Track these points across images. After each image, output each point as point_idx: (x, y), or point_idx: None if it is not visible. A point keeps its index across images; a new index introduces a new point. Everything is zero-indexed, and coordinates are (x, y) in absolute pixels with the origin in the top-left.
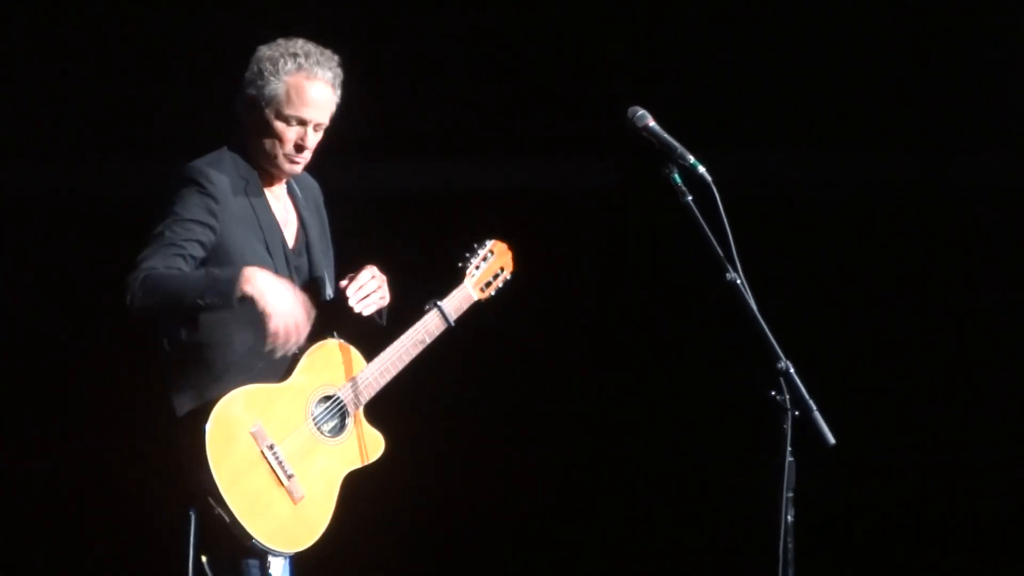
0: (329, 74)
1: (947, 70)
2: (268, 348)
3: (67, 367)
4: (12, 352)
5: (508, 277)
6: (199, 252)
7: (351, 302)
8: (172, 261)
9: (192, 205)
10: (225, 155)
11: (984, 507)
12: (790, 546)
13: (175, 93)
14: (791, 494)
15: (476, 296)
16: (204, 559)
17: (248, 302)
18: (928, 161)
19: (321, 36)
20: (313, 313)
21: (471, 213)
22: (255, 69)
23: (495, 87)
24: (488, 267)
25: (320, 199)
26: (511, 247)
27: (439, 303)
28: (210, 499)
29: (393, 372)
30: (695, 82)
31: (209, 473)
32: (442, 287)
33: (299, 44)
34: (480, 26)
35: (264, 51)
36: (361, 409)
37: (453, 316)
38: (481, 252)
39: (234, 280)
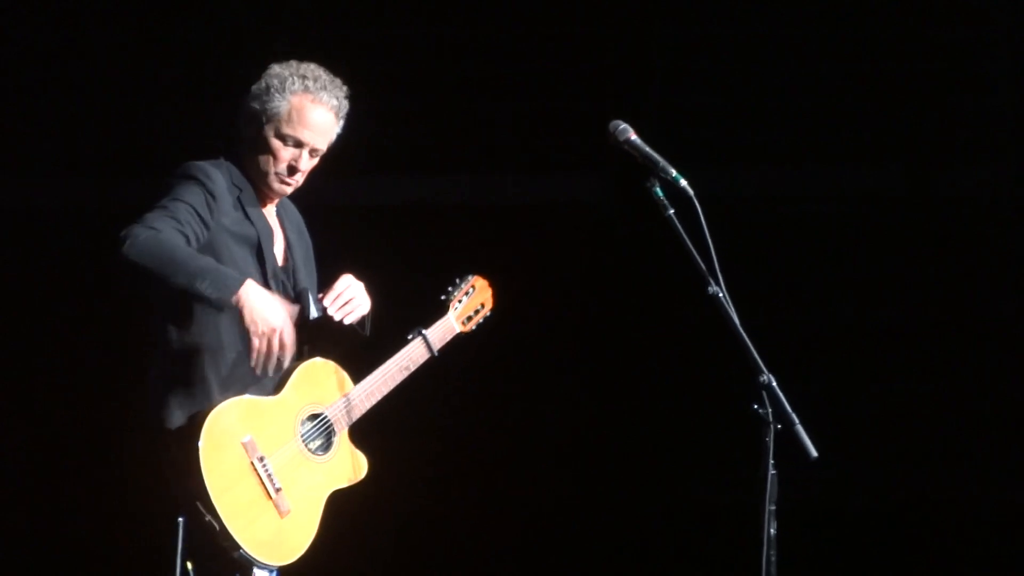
0: (334, 101)
1: (931, 84)
2: (252, 363)
3: (56, 371)
4: (29, 343)
5: (488, 314)
6: (194, 238)
7: (331, 311)
8: (173, 234)
9: (192, 195)
10: (222, 163)
11: (970, 518)
12: (773, 559)
13: (172, 111)
14: (773, 507)
15: (458, 328)
16: (190, 566)
17: (234, 310)
18: (913, 174)
19: (311, 52)
20: (294, 331)
21: (456, 228)
22: (263, 84)
23: (481, 102)
24: (470, 301)
25: (303, 225)
26: (491, 284)
27: (424, 331)
28: (200, 506)
29: (378, 396)
30: (682, 97)
31: (201, 480)
32: (424, 316)
33: (311, 67)
34: (468, 42)
35: (275, 68)
36: (347, 430)
37: (437, 346)
38: (463, 286)
39: (237, 282)
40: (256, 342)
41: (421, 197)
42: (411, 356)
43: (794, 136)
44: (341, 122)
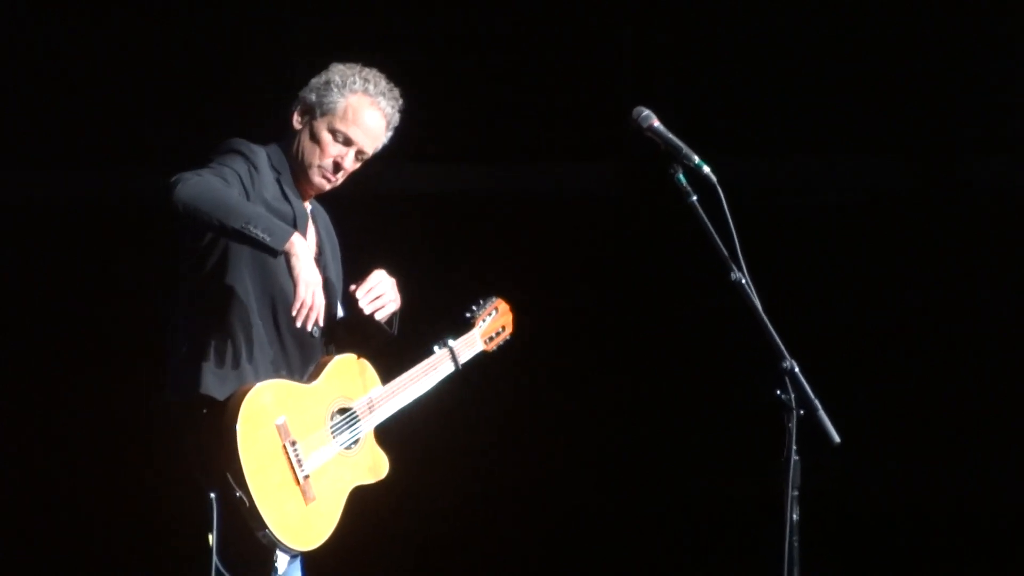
0: (388, 109)
1: (950, 73)
2: (294, 313)
3: (86, 350)
4: (33, 337)
5: (509, 337)
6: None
7: (362, 303)
8: (221, 183)
9: (235, 164)
10: (265, 147)
11: (990, 505)
12: (795, 544)
13: (182, 101)
14: (796, 493)
15: (483, 346)
16: (211, 539)
17: (275, 272)
18: (932, 164)
19: (325, 43)
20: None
21: (471, 217)
22: (323, 79)
23: (495, 92)
24: (493, 321)
25: (332, 228)
26: (512, 309)
27: (451, 343)
28: (231, 480)
29: (405, 399)
30: (699, 86)
31: (236, 455)
32: (447, 330)
33: (373, 72)
34: (482, 32)
35: (339, 66)
36: (373, 427)
37: (462, 358)
38: (487, 306)
39: (288, 232)
40: (302, 291)
41: (435, 186)
42: (437, 365)
43: (813, 126)
44: (390, 133)
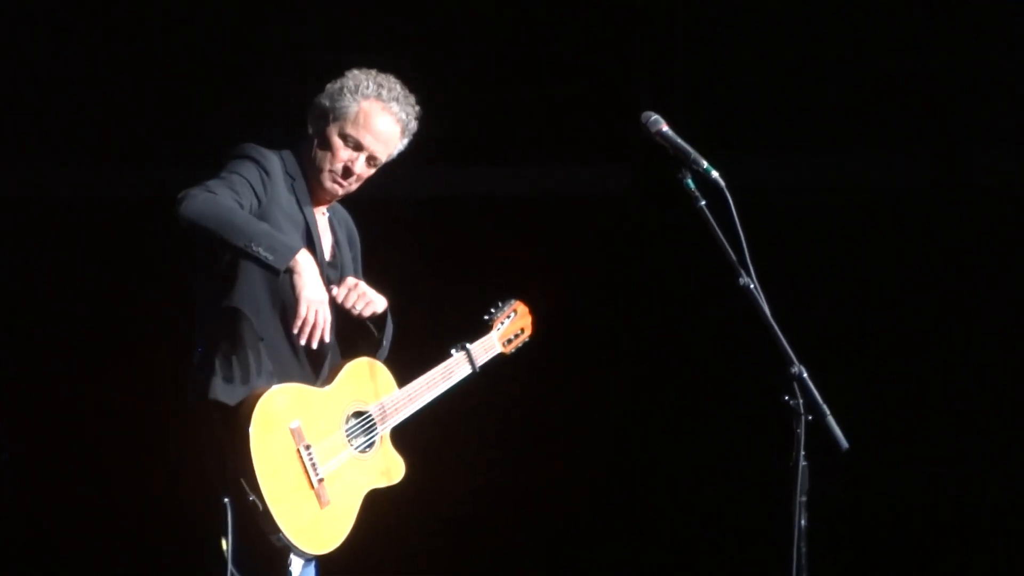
0: (403, 115)
1: (962, 70)
2: (296, 331)
3: (101, 352)
4: (48, 340)
5: (527, 339)
6: (248, 209)
7: (350, 306)
8: (229, 199)
9: (247, 170)
10: (280, 152)
11: (1000, 511)
12: (803, 550)
13: (190, 100)
14: (804, 498)
15: (500, 348)
16: (225, 544)
17: (284, 278)
18: (944, 161)
19: (331, 45)
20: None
21: (480, 219)
22: (338, 84)
23: (505, 93)
24: (512, 324)
25: (355, 232)
26: (531, 311)
27: (468, 346)
28: (245, 485)
29: (420, 403)
30: (711, 85)
31: (249, 460)
32: (465, 333)
33: (389, 78)
34: (492, 33)
35: (355, 71)
36: (388, 431)
37: (479, 361)
38: (506, 308)
39: (293, 249)
40: (304, 310)
41: (449, 189)
42: (454, 368)
43: (819, 124)
44: (406, 139)
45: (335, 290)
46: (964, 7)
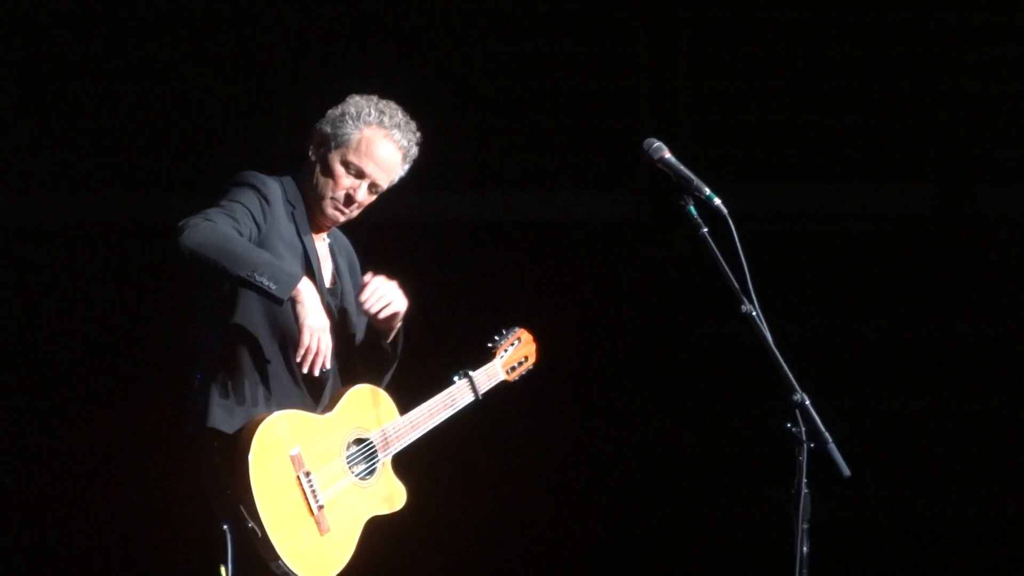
0: (404, 142)
1: (969, 101)
2: (298, 359)
3: (97, 377)
4: (42, 366)
5: (531, 367)
6: (247, 237)
7: (367, 304)
8: (230, 228)
9: (247, 198)
10: (280, 178)
11: (1003, 537)
12: None
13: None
14: (807, 525)
15: (503, 375)
16: (224, 571)
17: (286, 307)
18: (951, 192)
19: (337, 69)
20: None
21: (486, 245)
22: (339, 111)
23: (511, 120)
24: (515, 351)
25: (355, 258)
26: (536, 339)
27: (470, 373)
28: (244, 512)
29: (422, 430)
30: (717, 114)
31: (248, 487)
32: (468, 360)
33: (391, 105)
34: (497, 59)
35: (356, 98)
36: (390, 458)
37: (482, 389)
38: (509, 336)
39: (295, 278)
40: (307, 338)
41: (451, 214)
42: (456, 396)
43: (826, 154)
44: (407, 166)
45: (361, 296)
46: (968, 39)
